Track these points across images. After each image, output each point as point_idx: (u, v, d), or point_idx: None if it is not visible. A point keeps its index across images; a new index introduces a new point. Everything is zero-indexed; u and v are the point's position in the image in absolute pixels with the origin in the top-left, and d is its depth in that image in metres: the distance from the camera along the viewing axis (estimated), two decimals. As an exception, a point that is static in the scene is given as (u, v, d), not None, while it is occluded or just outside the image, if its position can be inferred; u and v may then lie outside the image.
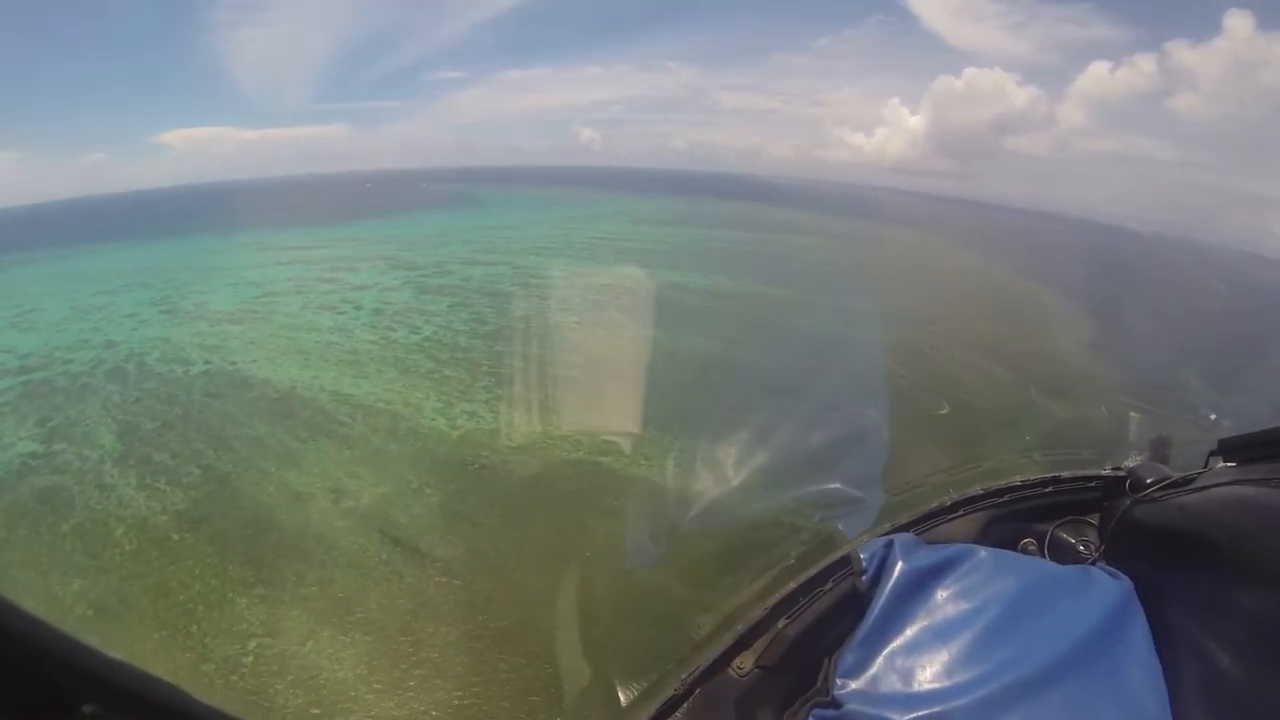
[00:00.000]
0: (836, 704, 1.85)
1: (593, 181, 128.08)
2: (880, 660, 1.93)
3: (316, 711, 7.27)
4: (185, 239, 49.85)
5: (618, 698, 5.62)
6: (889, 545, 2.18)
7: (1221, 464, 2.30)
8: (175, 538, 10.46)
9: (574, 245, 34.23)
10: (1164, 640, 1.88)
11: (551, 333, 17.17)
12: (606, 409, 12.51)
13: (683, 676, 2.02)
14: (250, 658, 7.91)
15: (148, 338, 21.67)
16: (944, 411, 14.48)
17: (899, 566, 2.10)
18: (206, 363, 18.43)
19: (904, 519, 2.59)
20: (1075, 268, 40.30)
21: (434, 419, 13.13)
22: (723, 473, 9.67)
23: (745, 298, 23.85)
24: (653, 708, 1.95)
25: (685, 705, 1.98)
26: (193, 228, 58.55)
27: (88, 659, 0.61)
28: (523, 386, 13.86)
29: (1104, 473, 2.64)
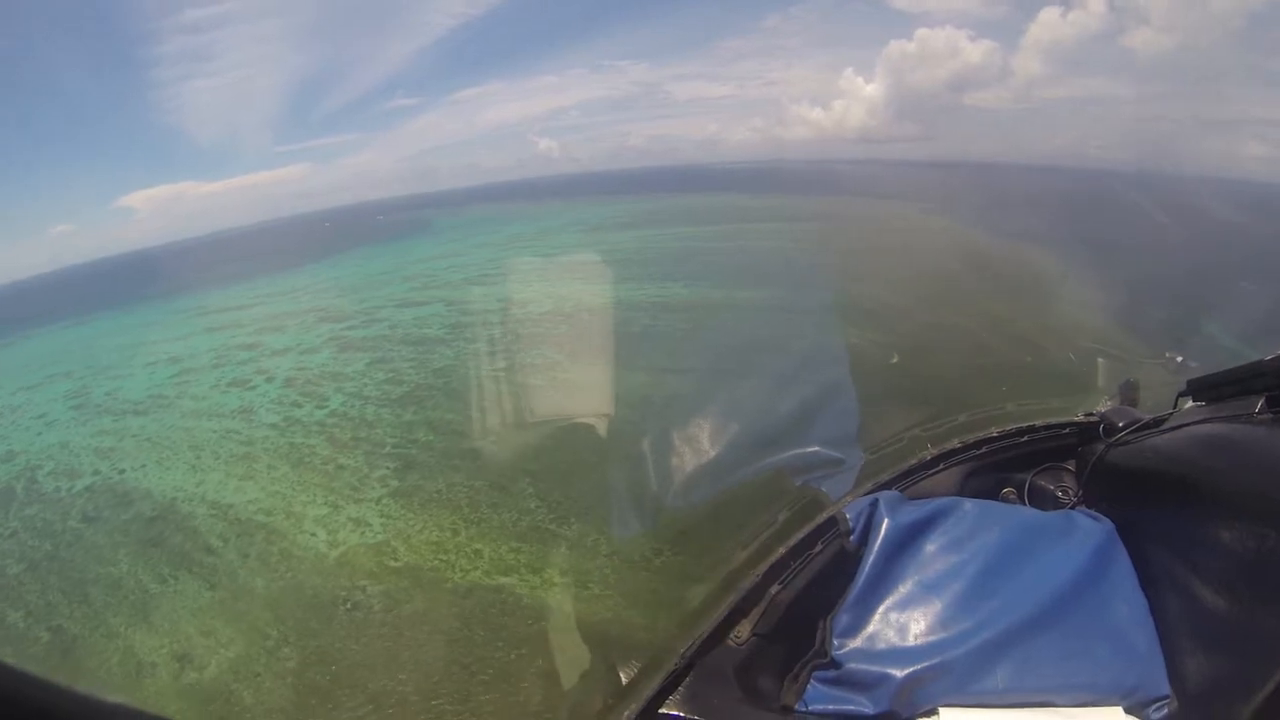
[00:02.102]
0: (836, 664, 1.88)
1: (550, 192, 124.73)
2: (875, 618, 1.94)
3: None
4: (127, 310, 47.36)
5: (618, 677, 5.42)
6: (874, 503, 2.17)
7: (1190, 404, 2.29)
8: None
9: (518, 268, 31.89)
10: (1147, 577, 1.91)
11: (469, 390, 14.92)
12: (516, 496, 10.32)
13: (681, 650, 1.94)
14: None
15: (48, 444, 19.37)
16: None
17: (886, 523, 2.09)
18: (95, 473, 16.17)
19: (886, 477, 2.55)
20: (1043, 217, 38.53)
21: (314, 533, 10.77)
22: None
23: (700, 308, 21.21)
24: (654, 684, 1.86)
25: (687, 679, 1.90)
26: (140, 296, 56.12)
27: (79, 707, 0.56)
28: (421, 474, 11.62)
29: (1077, 419, 2.67)
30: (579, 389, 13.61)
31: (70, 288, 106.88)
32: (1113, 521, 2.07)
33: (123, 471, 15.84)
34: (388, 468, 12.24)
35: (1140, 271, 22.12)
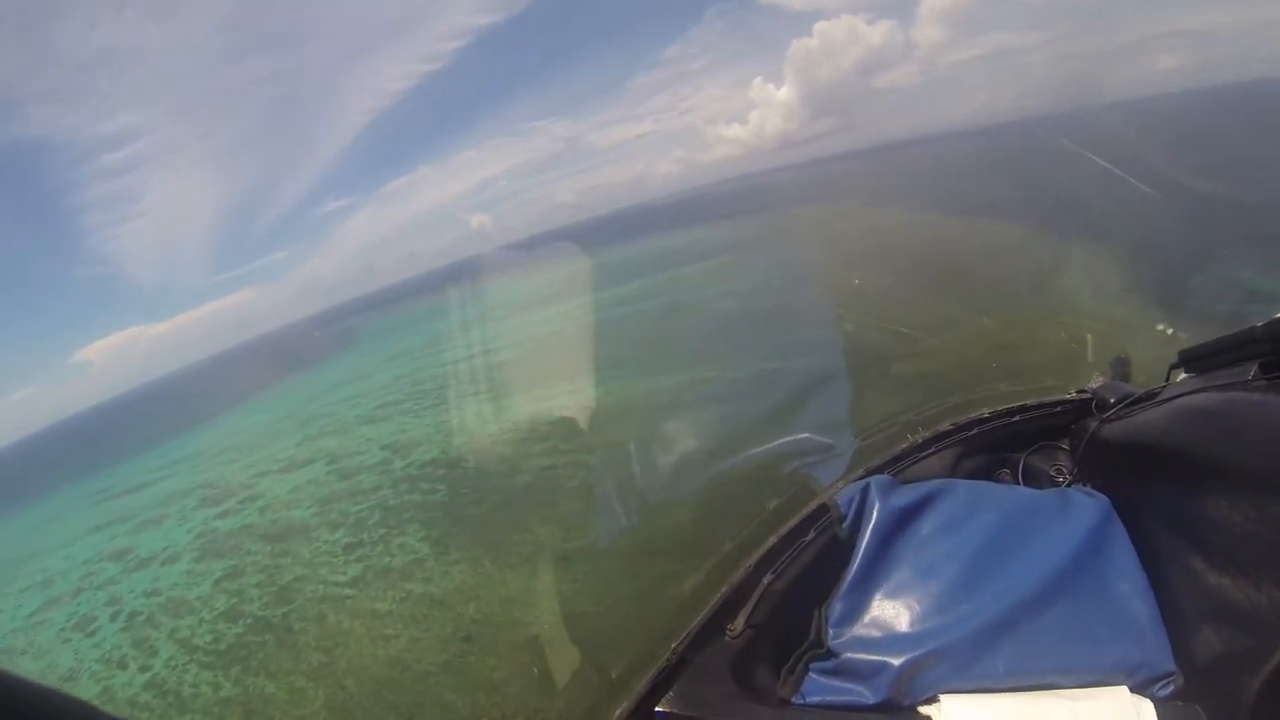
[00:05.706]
0: (833, 654, 1.84)
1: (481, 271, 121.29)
2: (871, 605, 1.91)
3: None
4: (36, 502, 43.33)
5: (609, 675, 5.18)
6: (866, 489, 2.13)
7: (1183, 376, 2.28)
8: None
9: (421, 385, 28.65)
10: (1146, 553, 1.88)
11: (307, 628, 11.66)
12: None
13: (673, 645, 1.88)
14: None
15: None
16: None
17: (878, 508, 2.06)
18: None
19: (877, 461, 2.52)
20: (985, 185, 36.67)
21: None
22: None
23: (616, 419, 16.67)
24: (647, 681, 1.80)
25: (681, 675, 1.85)
26: (61, 474, 52.44)
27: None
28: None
29: (1069, 396, 2.66)
30: (436, 621, 10.43)
31: (15, 464, 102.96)
32: (1109, 498, 2.04)
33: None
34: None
35: (1106, 224, 20.03)
